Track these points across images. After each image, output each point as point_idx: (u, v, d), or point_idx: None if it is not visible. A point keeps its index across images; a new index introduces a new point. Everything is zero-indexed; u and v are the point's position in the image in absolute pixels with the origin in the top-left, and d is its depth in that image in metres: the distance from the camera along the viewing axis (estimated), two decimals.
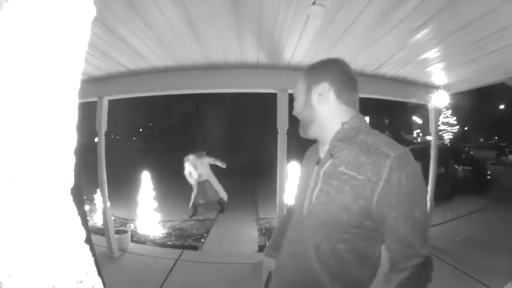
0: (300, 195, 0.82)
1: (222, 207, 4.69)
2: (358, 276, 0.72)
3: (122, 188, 4.73)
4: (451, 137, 21.38)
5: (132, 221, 3.98)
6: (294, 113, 0.86)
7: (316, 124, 0.78)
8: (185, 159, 4.15)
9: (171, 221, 4.16)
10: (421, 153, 5.44)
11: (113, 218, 3.38)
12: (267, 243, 1.14)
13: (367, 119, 0.82)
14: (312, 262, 0.73)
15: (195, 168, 4.10)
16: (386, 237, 0.67)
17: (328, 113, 0.76)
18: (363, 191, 0.65)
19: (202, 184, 4.41)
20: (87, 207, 3.94)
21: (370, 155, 0.66)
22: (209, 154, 4.54)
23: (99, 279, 0.41)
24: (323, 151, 0.79)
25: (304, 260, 0.75)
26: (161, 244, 3.42)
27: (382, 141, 0.69)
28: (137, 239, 3.49)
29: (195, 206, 4.51)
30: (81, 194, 2.00)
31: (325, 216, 0.70)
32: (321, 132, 0.78)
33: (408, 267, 0.63)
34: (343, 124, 0.74)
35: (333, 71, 0.79)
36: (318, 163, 0.78)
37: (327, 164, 0.73)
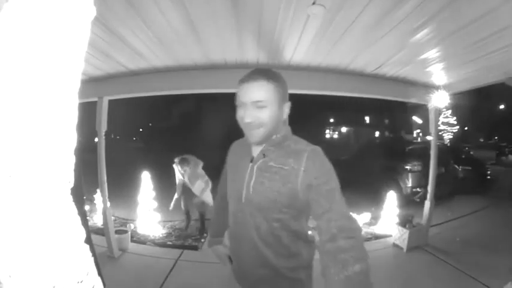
0: (235, 187, 0.95)
1: (202, 224, 3.84)
2: (295, 250, 0.89)
3: (122, 188, 4.73)
4: (451, 137, 21.35)
5: (132, 221, 3.98)
6: (250, 121, 0.84)
7: (268, 134, 0.88)
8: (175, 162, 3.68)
9: (171, 221, 4.16)
10: (421, 153, 5.46)
11: (113, 218, 3.38)
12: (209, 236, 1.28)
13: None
14: (256, 241, 0.89)
15: (184, 177, 3.59)
16: (312, 209, 0.80)
17: (278, 124, 0.89)
18: (289, 177, 0.82)
19: (188, 191, 3.69)
20: (87, 207, 3.94)
21: (293, 152, 0.85)
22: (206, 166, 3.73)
23: (99, 279, 0.41)
24: (256, 151, 0.93)
25: (250, 240, 0.90)
26: (161, 244, 3.42)
27: (301, 143, 0.89)
28: (137, 239, 3.50)
29: (188, 213, 3.95)
30: (81, 194, 2.00)
31: (262, 200, 0.86)
32: (268, 139, 0.90)
33: (341, 233, 0.72)
34: (276, 134, 0.90)
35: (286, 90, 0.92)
36: (251, 160, 0.92)
37: (259, 162, 0.90)
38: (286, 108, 0.90)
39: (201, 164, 3.73)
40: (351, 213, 0.78)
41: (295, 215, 0.87)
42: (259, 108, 0.83)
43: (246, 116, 0.84)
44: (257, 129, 0.85)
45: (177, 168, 3.71)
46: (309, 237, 0.94)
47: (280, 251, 0.88)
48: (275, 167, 0.85)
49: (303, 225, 0.91)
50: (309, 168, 0.81)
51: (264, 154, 0.90)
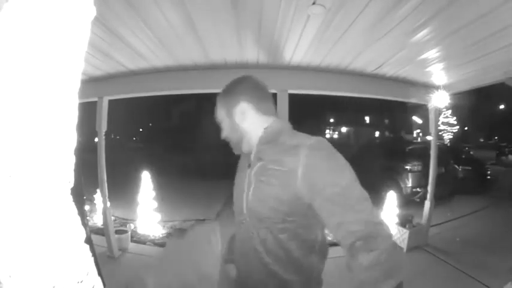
0: (237, 198, 0.89)
1: None
2: (308, 263, 0.78)
3: (122, 188, 4.73)
4: (451, 137, 21.36)
5: (132, 221, 3.98)
6: (224, 137, 0.91)
7: (245, 139, 0.86)
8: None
9: (171, 221, 4.16)
10: (421, 153, 5.45)
11: (113, 218, 3.38)
12: None
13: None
14: (263, 257, 0.78)
15: None
16: (323, 219, 0.69)
17: (253, 126, 0.85)
18: (288, 180, 0.72)
19: None
20: (87, 207, 3.94)
21: (290, 150, 0.74)
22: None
23: (99, 279, 0.41)
24: (253, 155, 0.87)
25: (256, 255, 0.79)
26: (161, 244, 3.42)
27: (300, 137, 0.77)
28: (137, 239, 3.49)
29: None
30: (81, 194, 1.99)
31: (263, 209, 0.77)
32: (252, 144, 0.86)
33: (362, 245, 0.61)
34: (265, 129, 0.83)
35: (246, 89, 0.86)
36: (249, 166, 0.85)
37: (256, 166, 0.80)
38: (238, 112, 0.85)
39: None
40: (375, 216, 0.65)
41: (305, 224, 0.76)
42: (220, 124, 0.91)
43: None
44: (231, 143, 0.90)
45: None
46: (323, 247, 0.82)
47: (291, 265, 0.77)
48: (272, 169, 0.75)
49: (317, 233, 0.79)
50: (309, 167, 0.69)
51: (259, 157, 0.80)
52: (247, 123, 0.84)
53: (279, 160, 0.75)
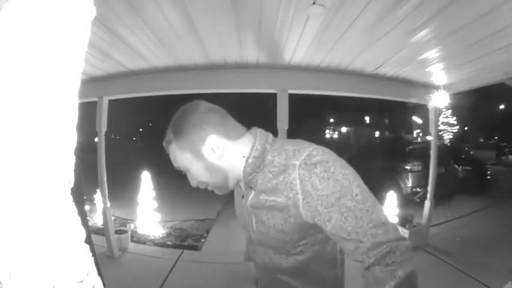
0: (243, 227, 0.81)
1: None
2: (327, 274, 0.74)
3: (122, 188, 4.73)
4: (451, 137, 21.36)
5: (132, 221, 3.98)
6: (201, 184, 0.72)
7: (230, 174, 0.71)
8: None
9: (171, 221, 4.16)
10: (421, 153, 5.45)
11: (113, 218, 3.38)
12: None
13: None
14: (280, 277, 0.74)
15: None
16: (337, 241, 0.63)
17: (232, 157, 0.69)
18: (289, 210, 0.63)
19: None
20: (87, 207, 3.94)
21: (280, 174, 0.63)
22: None
23: (99, 279, 0.41)
24: (243, 185, 0.74)
25: (273, 276, 0.75)
26: (161, 244, 3.42)
27: (286, 153, 0.65)
28: (137, 239, 3.49)
29: None
30: (81, 194, 2.00)
31: (270, 242, 0.71)
32: (238, 176, 0.71)
33: (380, 262, 0.56)
34: (246, 159, 0.68)
35: (205, 117, 0.69)
36: (243, 196, 0.75)
37: (250, 197, 0.70)
38: (209, 149, 0.68)
39: None
40: (393, 231, 0.59)
41: (319, 240, 0.70)
42: (187, 172, 0.72)
43: (190, 181, 0.74)
44: (210, 187, 0.73)
45: None
46: (343, 256, 0.77)
47: (310, 279, 0.73)
48: (268, 201, 0.65)
49: (334, 246, 0.74)
50: (309, 194, 0.60)
51: (250, 186, 0.70)
52: (225, 158, 0.69)
53: (272, 189, 0.64)
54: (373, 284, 0.57)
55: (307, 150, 0.63)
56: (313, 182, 0.59)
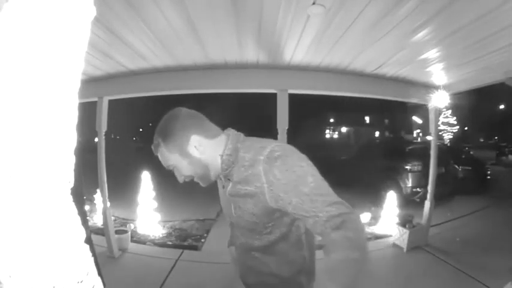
0: (225, 212, 0.95)
1: None
2: (295, 256, 0.86)
3: (122, 188, 4.73)
4: (451, 137, 21.36)
5: (132, 221, 3.98)
6: (187, 178, 0.86)
7: (211, 168, 0.84)
8: None
9: (171, 221, 4.16)
10: (421, 153, 5.45)
11: (113, 218, 3.38)
12: None
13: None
14: (254, 254, 0.88)
15: None
16: (300, 218, 0.74)
17: (211, 156, 0.83)
18: (258, 197, 0.76)
19: None
20: (87, 207, 3.94)
21: (250, 168, 0.77)
22: None
23: (99, 279, 0.41)
24: (223, 178, 0.88)
25: (249, 254, 0.90)
26: (161, 244, 3.42)
27: (254, 149, 0.79)
28: (137, 239, 3.49)
29: None
30: (81, 194, 1.99)
31: (245, 224, 0.85)
32: (217, 170, 0.85)
33: (335, 230, 0.67)
34: (221, 156, 0.82)
35: (186, 121, 0.83)
36: (223, 187, 0.88)
37: (229, 187, 0.83)
38: (193, 147, 0.81)
39: None
40: (341, 204, 0.71)
41: (288, 222, 0.83)
42: (174, 168, 0.85)
43: (177, 177, 0.87)
44: (195, 180, 0.86)
45: None
46: (309, 239, 0.90)
47: (279, 258, 0.86)
48: (242, 189, 0.79)
49: (300, 226, 0.86)
50: (272, 183, 0.73)
51: (228, 179, 0.83)
52: (206, 153, 0.82)
53: (244, 180, 0.78)
54: (331, 246, 0.67)
55: (270, 147, 0.77)
56: (274, 173, 0.73)
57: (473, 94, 15.67)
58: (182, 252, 3.18)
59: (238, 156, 0.81)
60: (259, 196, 0.76)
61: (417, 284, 2.53)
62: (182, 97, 3.01)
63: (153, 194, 3.82)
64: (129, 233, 3.32)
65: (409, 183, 5.16)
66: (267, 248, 0.85)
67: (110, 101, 2.91)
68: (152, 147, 0.84)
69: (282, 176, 0.72)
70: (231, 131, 0.87)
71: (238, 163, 0.80)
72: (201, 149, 0.81)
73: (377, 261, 3.00)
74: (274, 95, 2.67)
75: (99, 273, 0.43)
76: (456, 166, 6.06)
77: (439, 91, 3.01)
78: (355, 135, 27.67)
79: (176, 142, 0.80)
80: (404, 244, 3.17)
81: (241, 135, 0.87)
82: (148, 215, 3.76)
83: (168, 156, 0.82)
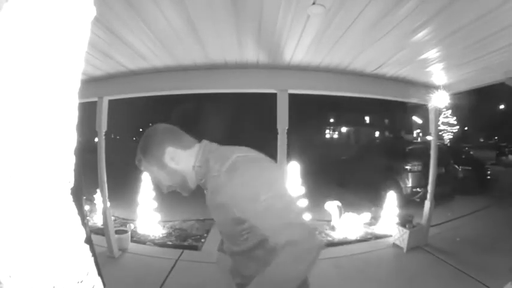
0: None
1: None
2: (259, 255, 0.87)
3: (122, 188, 4.73)
4: (451, 137, 21.36)
5: (132, 221, 3.98)
6: (169, 188, 0.91)
7: (188, 177, 0.88)
8: None
9: (171, 221, 4.16)
10: (421, 153, 5.45)
11: (113, 218, 3.38)
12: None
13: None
14: (239, 259, 0.90)
15: None
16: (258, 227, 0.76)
17: (186, 164, 0.87)
18: (228, 207, 0.78)
19: None
20: (87, 207, 3.94)
21: (217, 179, 0.79)
22: None
23: (99, 279, 0.41)
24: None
25: (235, 259, 0.93)
26: (161, 244, 3.42)
27: (221, 160, 0.81)
28: (137, 239, 3.49)
29: None
30: (81, 194, 1.99)
31: (225, 230, 0.91)
32: (194, 179, 0.89)
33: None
34: (194, 168, 0.87)
35: (162, 135, 0.88)
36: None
37: (208, 196, 0.87)
38: (169, 159, 0.85)
39: None
40: (297, 218, 0.73)
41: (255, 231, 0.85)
42: (157, 180, 0.91)
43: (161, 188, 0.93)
44: (177, 189, 0.91)
45: None
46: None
47: (260, 263, 0.84)
48: (215, 199, 0.82)
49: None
50: (232, 196, 0.76)
51: (205, 187, 0.88)
52: (181, 164, 0.87)
53: (216, 190, 0.81)
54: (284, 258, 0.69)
55: (232, 158, 0.78)
56: (232, 187, 0.75)
57: (473, 94, 15.66)
58: (182, 252, 3.18)
59: (209, 166, 0.83)
60: (226, 207, 0.78)
61: (417, 284, 2.53)
62: (182, 97, 3.01)
63: (153, 194, 3.81)
64: (129, 233, 3.32)
65: (409, 183, 5.16)
66: (245, 253, 0.87)
67: (110, 101, 2.91)
68: (136, 162, 0.90)
69: (238, 191, 0.74)
70: (205, 142, 0.91)
71: (210, 173, 0.83)
72: (177, 160, 0.86)
73: (377, 261, 3.00)
74: (274, 95, 2.67)
75: (99, 273, 0.43)
76: (456, 166, 6.06)
77: (439, 91, 3.01)
78: (355, 135, 27.70)
79: (154, 155, 0.85)
80: (404, 244, 3.16)
81: (214, 145, 0.90)
82: (149, 215, 3.76)
83: (150, 168, 0.88)
